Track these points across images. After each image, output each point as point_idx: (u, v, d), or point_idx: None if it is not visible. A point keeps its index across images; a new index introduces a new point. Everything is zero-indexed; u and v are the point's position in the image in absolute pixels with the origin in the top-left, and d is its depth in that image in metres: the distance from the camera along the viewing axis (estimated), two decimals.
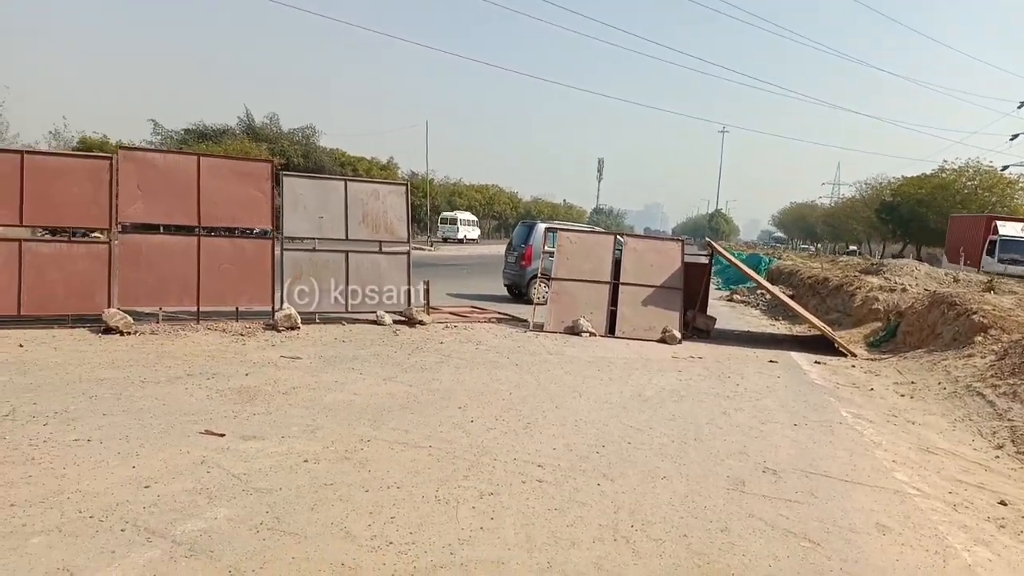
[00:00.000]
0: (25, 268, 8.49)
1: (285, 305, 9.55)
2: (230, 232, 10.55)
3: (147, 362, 7.03)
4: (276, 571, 2.97)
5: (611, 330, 11.03)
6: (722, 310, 16.35)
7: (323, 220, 10.24)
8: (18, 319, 8.45)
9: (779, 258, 32.05)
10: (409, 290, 10.78)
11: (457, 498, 3.92)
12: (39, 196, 8.60)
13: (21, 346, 7.44)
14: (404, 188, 11.23)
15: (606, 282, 11.39)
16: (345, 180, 10.99)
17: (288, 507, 3.63)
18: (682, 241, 12.77)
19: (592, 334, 10.72)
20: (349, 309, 10.41)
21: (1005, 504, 4.60)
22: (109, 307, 8.59)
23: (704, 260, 13.05)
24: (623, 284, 11.39)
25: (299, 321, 9.39)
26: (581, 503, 3.99)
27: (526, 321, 11.34)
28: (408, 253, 11.00)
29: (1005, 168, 47.39)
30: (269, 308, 9.69)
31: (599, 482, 4.37)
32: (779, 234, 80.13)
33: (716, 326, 12.19)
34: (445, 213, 56.62)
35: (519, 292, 15.30)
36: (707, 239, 17.64)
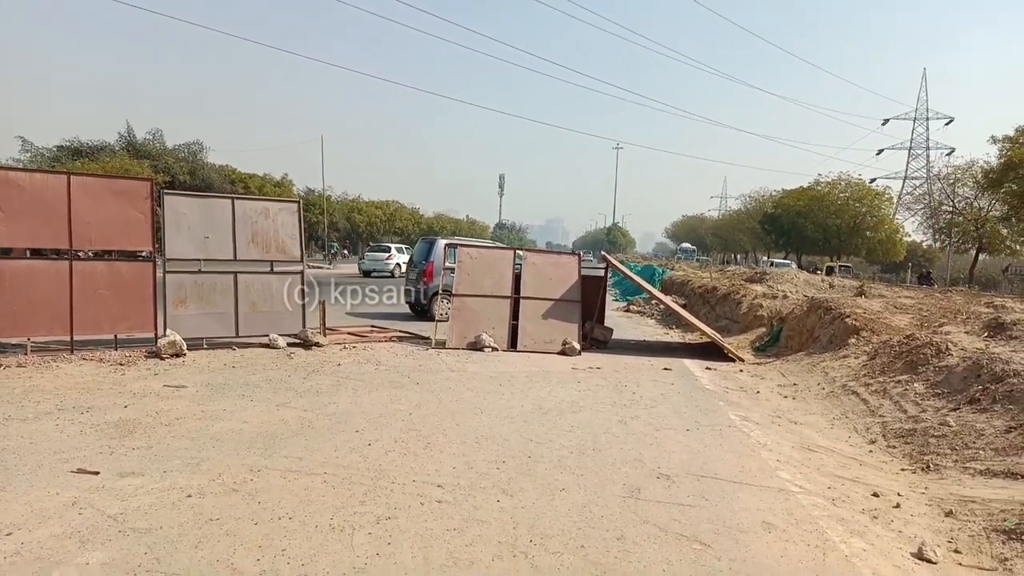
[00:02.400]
0: None
1: (169, 331, 9.02)
2: (107, 255, 9.90)
3: (12, 398, 6.45)
4: None
5: (513, 344, 11.12)
6: (620, 321, 16.84)
7: (209, 240, 9.78)
8: None
9: (671, 269, 33.37)
10: (303, 311, 10.45)
11: (353, 524, 3.81)
12: None
13: None
14: (296, 206, 10.92)
15: (507, 297, 11.49)
16: (232, 198, 10.57)
17: (170, 546, 3.41)
18: (579, 255, 13.09)
19: (495, 349, 10.76)
20: (240, 333, 9.96)
21: (877, 496, 4.95)
22: None
23: (601, 273, 13.41)
24: (524, 298, 11.52)
25: (185, 348, 8.90)
26: (480, 521, 3.97)
27: (428, 338, 11.25)
28: (302, 273, 10.68)
29: (873, 180, 51.69)
30: (152, 335, 9.13)
31: (499, 498, 4.36)
32: (687, 245, 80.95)
33: (614, 336, 12.52)
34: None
35: (421, 309, 15.17)
36: (603, 253, 18.14)
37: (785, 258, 52.44)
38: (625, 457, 5.47)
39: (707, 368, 10.25)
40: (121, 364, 8.23)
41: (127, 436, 5.34)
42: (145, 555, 3.30)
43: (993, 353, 7.35)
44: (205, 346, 9.58)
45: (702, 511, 4.36)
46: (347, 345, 10.49)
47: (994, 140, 29.34)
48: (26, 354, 8.32)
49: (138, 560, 3.24)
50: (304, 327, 10.32)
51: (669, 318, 17.72)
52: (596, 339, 12.03)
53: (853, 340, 9.77)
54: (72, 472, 4.46)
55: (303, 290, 10.54)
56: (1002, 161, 28.30)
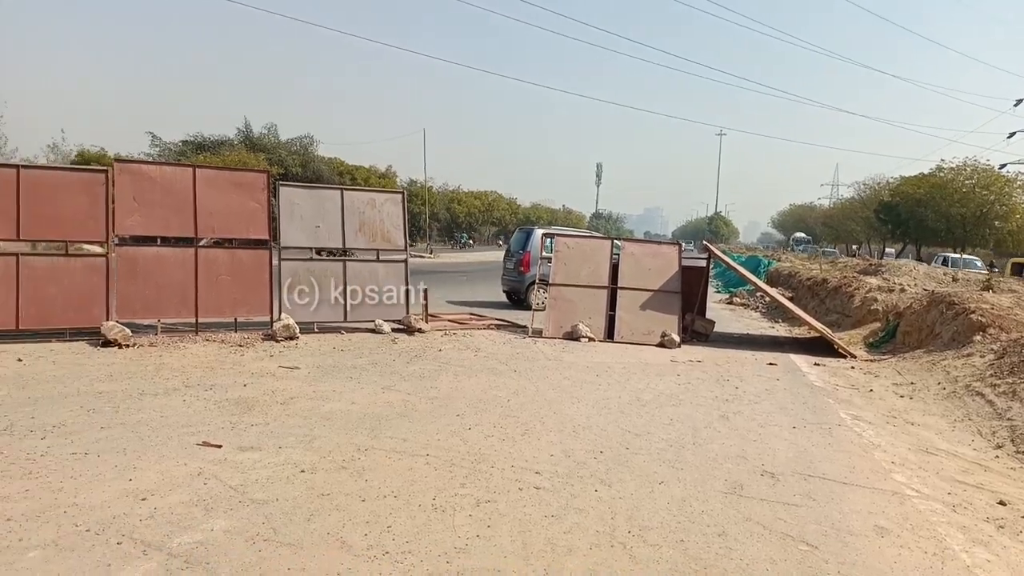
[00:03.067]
0: (23, 282, 8.50)
1: (283, 315, 9.56)
2: (227, 243, 10.59)
3: (145, 374, 7.03)
4: None
5: (610, 335, 11.03)
6: (722, 313, 16.35)
7: (319, 229, 10.26)
8: (16, 333, 8.45)
9: (778, 260, 32.04)
10: (407, 298, 10.79)
11: (454, 506, 3.92)
12: (36, 210, 8.62)
13: (20, 360, 7.44)
14: (401, 196, 11.27)
15: (604, 287, 11.41)
16: (341, 189, 11.03)
17: (285, 518, 3.63)
18: (679, 245, 12.78)
19: (591, 339, 10.72)
20: (347, 318, 10.43)
21: (1004, 504, 4.59)
22: (107, 320, 8.61)
23: (702, 263, 13.06)
24: (621, 288, 11.40)
25: (298, 331, 9.40)
26: (578, 509, 3.99)
27: (525, 327, 11.35)
28: (406, 261, 11.03)
29: (1003, 167, 47.45)
30: (267, 318, 9.71)
31: (596, 488, 4.36)
32: (800, 234, 73.78)
33: (715, 329, 12.19)
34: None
35: (518, 298, 15.33)
36: (704, 242, 17.66)
37: (903, 250, 49.14)
38: (727, 453, 5.33)
39: (815, 364, 9.80)
40: (240, 345, 8.79)
41: (246, 413, 5.71)
42: (263, 525, 3.53)
43: None
44: (316, 330, 10.08)
45: (809, 511, 4.19)
46: (448, 331, 10.76)
47: None
48: (156, 334, 9.03)
49: (256, 529, 3.47)
50: (408, 313, 10.66)
51: (775, 311, 17.04)
52: (697, 331, 11.74)
53: (979, 337, 9.05)
54: (198, 445, 4.82)
55: (407, 277, 10.88)
56: None
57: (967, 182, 44.14)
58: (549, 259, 11.82)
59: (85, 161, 31.71)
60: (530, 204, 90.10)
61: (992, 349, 8.60)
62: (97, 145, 36.04)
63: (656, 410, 6.58)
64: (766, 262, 28.35)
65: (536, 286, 12.99)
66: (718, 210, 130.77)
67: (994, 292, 12.18)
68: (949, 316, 10.17)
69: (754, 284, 14.10)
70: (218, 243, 10.23)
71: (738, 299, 20.09)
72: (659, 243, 13.35)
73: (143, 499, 3.80)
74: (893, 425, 6.58)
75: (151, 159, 32.80)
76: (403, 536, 3.49)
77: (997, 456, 5.78)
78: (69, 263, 8.93)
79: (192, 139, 39.31)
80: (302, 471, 4.37)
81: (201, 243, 9.67)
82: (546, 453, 5.03)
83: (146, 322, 9.24)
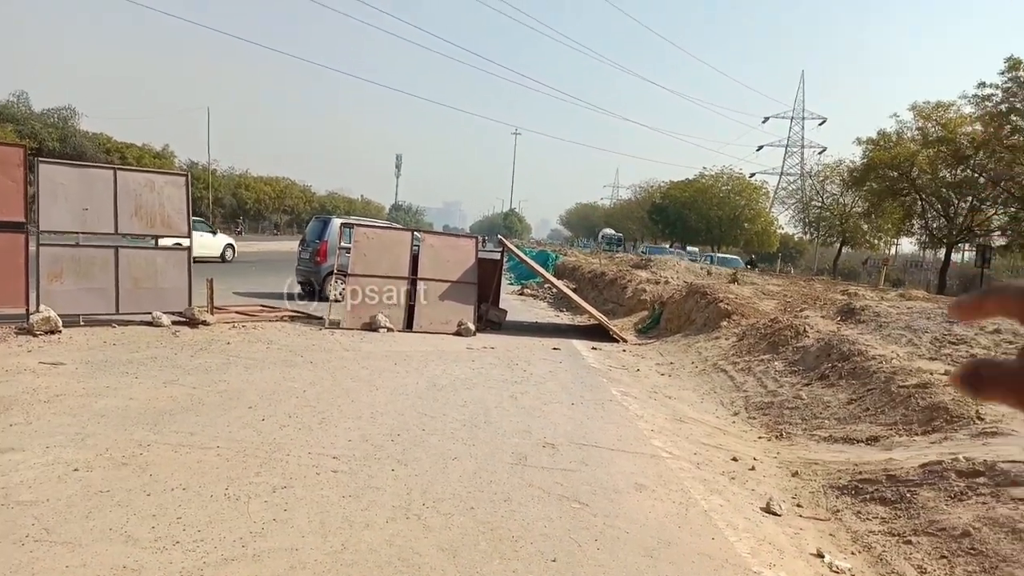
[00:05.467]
0: None
1: (42, 307, 8.53)
2: None
3: None
4: None
5: (409, 325, 11.25)
6: (514, 303, 17.25)
7: (88, 212, 9.27)
8: None
9: (564, 255, 34.32)
10: (190, 289, 10.12)
11: (248, 494, 3.90)
12: None
13: None
14: (184, 179, 10.52)
15: (404, 277, 11.58)
16: (115, 169, 10.04)
17: (58, 517, 3.40)
18: (477, 238, 13.33)
19: (390, 329, 10.85)
20: (120, 310, 9.54)
21: (736, 460, 5.53)
22: None
23: (497, 256, 13.73)
24: (421, 279, 11.66)
25: (60, 324, 8.46)
26: (376, 488, 4.17)
27: (321, 319, 11.18)
28: (189, 249, 10.33)
29: (752, 175, 55.07)
30: (23, 310, 8.61)
31: (393, 467, 4.57)
32: (609, 231, 72.88)
33: (508, 318, 12.89)
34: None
35: (314, 289, 14.95)
36: (499, 236, 18.49)
37: (671, 246, 54.89)
38: (514, 429, 5.80)
39: (593, 348, 10.81)
40: None
41: (3, 413, 5.11)
42: (32, 526, 3.28)
43: (842, 335, 8.24)
44: (82, 323, 9.12)
45: (582, 475, 4.75)
46: (236, 324, 10.26)
47: (859, 141, 31.97)
48: None
49: (25, 531, 3.22)
50: (190, 305, 10.01)
51: (560, 301, 18.34)
52: (491, 320, 12.35)
53: (725, 323, 10.60)
54: None
55: (190, 266, 10.20)
56: (864, 162, 30.87)
57: (724, 188, 50.55)
58: (347, 249, 11.74)
59: None
60: (326, 192, 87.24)
61: (735, 332, 10.11)
62: None
63: (451, 394, 6.92)
64: (554, 256, 30.25)
65: (334, 277, 12.81)
66: (513, 206, 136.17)
67: (739, 284, 14.22)
68: (702, 305, 11.74)
69: (543, 276, 15.09)
70: None
71: (528, 290, 21.31)
72: (458, 236, 13.80)
73: None
74: (654, 399, 7.54)
75: None
76: (194, 526, 3.44)
77: (734, 422, 6.89)
78: None
79: None
80: (75, 470, 4.07)
81: None
82: (344, 439, 5.13)
83: None
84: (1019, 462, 4.34)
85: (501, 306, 13.17)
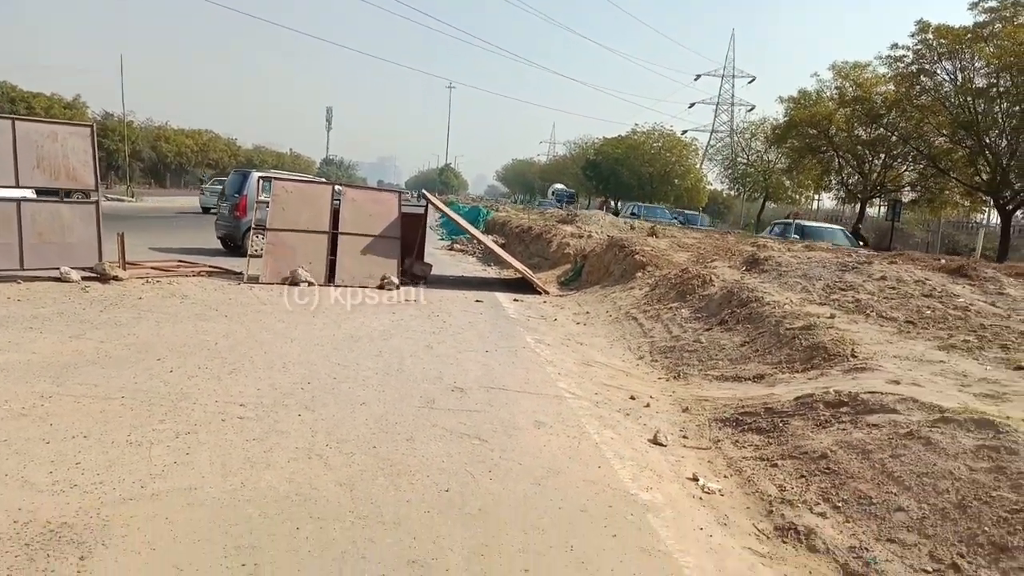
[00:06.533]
0: None
1: None
2: None
3: None
4: None
5: (331, 279, 11.22)
6: (443, 258, 17.36)
7: None
8: None
9: (496, 210, 34.43)
10: (99, 243, 9.80)
11: (151, 440, 3.97)
12: None
13: None
14: (89, 130, 10.08)
15: (325, 232, 11.50)
16: (13, 119, 9.55)
17: None
18: (399, 193, 13.30)
19: (311, 284, 10.81)
20: (24, 265, 9.20)
21: (634, 398, 5.88)
22: None
23: (421, 211, 13.75)
24: (342, 234, 11.59)
25: None
26: (280, 432, 4.30)
27: (240, 274, 11.03)
28: (97, 202, 9.97)
29: (684, 132, 56.05)
30: None
31: (300, 413, 4.70)
32: (560, 187, 70.36)
33: (434, 272, 13.00)
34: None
35: (234, 244, 14.66)
36: (423, 191, 18.42)
37: (604, 202, 55.64)
38: (426, 375, 5.99)
39: (515, 300, 11.07)
40: None
41: None
42: None
43: (744, 283, 8.71)
44: None
45: (486, 415, 4.99)
46: (150, 279, 10.03)
47: (781, 100, 32.94)
48: None
49: None
50: (100, 259, 9.72)
51: (488, 256, 18.51)
52: (415, 275, 12.43)
53: (640, 274, 11.01)
54: None
55: (99, 220, 9.86)
56: (786, 120, 31.87)
57: (655, 145, 51.27)
58: (267, 203, 11.55)
59: None
60: (253, 146, 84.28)
61: (648, 283, 10.52)
62: None
63: (367, 344, 7.05)
64: (485, 212, 30.34)
65: (253, 231, 12.59)
66: (448, 162, 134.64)
67: (656, 237, 14.68)
68: (621, 257, 12.12)
69: (469, 231, 15.20)
70: None
71: (459, 246, 21.40)
72: (380, 190, 13.72)
73: None
74: (566, 346, 7.85)
75: None
76: (93, 470, 3.51)
77: (638, 364, 7.26)
78: None
79: None
80: None
81: None
82: (253, 388, 5.20)
83: None
84: (879, 392, 4.80)
85: (427, 261, 13.25)
